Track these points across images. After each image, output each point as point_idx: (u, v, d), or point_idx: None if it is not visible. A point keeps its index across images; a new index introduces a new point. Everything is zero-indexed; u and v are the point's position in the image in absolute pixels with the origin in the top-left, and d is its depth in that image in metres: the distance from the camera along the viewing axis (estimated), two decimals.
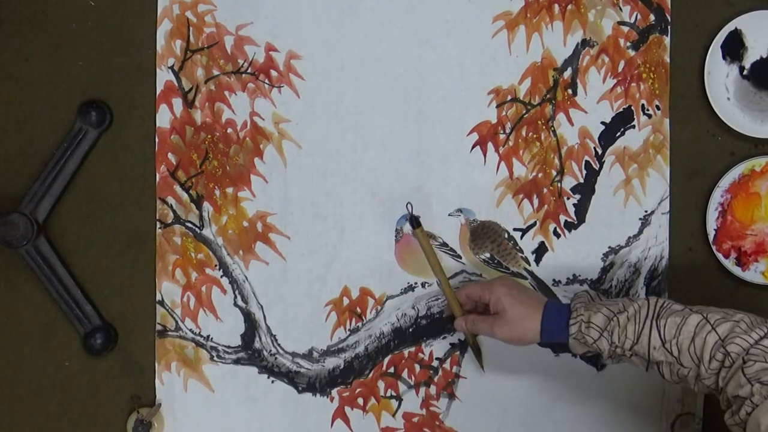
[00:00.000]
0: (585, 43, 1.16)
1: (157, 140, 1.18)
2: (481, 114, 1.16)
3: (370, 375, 1.18)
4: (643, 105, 1.16)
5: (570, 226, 1.17)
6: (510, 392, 1.17)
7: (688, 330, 0.90)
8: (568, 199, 1.16)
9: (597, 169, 1.16)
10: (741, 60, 1.14)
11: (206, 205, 1.18)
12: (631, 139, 1.16)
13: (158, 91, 1.17)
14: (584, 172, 1.16)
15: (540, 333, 0.99)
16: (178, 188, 1.18)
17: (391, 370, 1.18)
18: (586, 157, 1.16)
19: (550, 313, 0.99)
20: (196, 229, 1.18)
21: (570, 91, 1.16)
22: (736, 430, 0.86)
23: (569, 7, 1.15)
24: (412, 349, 1.18)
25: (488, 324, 1.03)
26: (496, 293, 1.02)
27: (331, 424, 1.18)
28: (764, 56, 1.14)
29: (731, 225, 1.14)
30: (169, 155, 1.18)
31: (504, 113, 1.16)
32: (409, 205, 1.11)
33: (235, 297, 1.18)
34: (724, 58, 1.14)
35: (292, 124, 1.17)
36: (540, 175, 1.16)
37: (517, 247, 1.17)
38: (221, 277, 1.18)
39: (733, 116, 1.14)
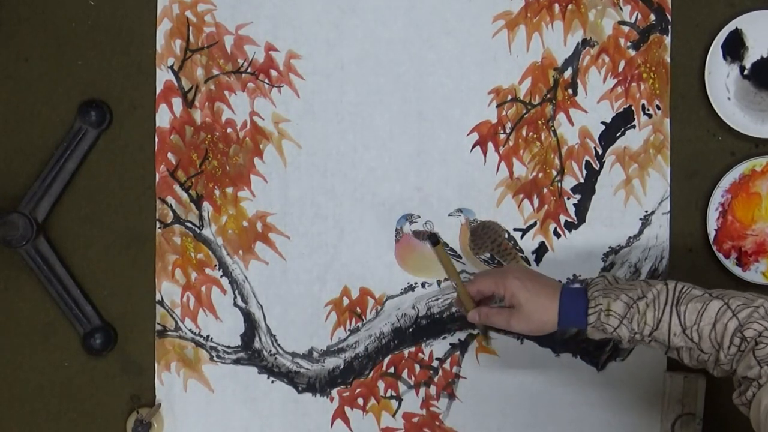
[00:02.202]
0: (585, 42, 1.16)
1: (156, 140, 1.17)
2: (481, 114, 1.16)
3: (370, 375, 1.18)
4: (643, 105, 1.16)
5: (570, 226, 1.16)
6: (510, 392, 1.17)
7: (709, 316, 0.90)
8: (568, 199, 1.16)
9: (597, 169, 1.16)
10: (741, 60, 1.14)
11: (206, 204, 1.18)
12: (632, 139, 1.16)
13: (158, 91, 1.17)
14: (584, 172, 1.16)
15: (557, 323, 0.98)
16: (177, 188, 1.18)
17: (391, 370, 1.18)
18: (587, 157, 1.16)
19: (568, 303, 0.97)
20: (196, 229, 1.18)
21: (570, 91, 1.16)
22: (743, 410, 0.86)
23: (569, 6, 1.15)
24: (412, 349, 1.18)
25: (504, 318, 1.00)
26: (510, 288, 0.99)
27: (331, 425, 1.18)
28: (765, 56, 1.14)
29: (732, 225, 1.14)
30: (169, 155, 1.18)
31: (504, 113, 1.16)
32: (429, 224, 1.10)
33: (235, 297, 1.18)
34: (724, 57, 1.14)
35: (292, 124, 1.17)
36: (540, 175, 1.16)
37: (518, 247, 1.16)
38: (221, 277, 1.18)
39: (734, 116, 1.14)
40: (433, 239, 1.04)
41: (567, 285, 1.01)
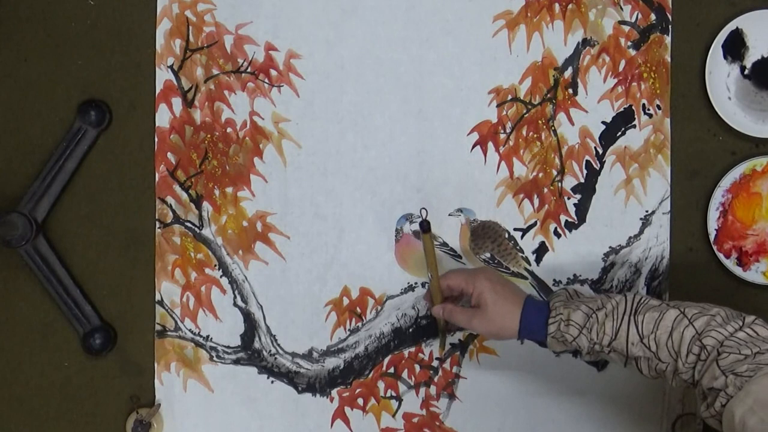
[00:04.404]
0: (586, 42, 1.16)
1: (156, 140, 1.17)
2: (481, 113, 1.16)
3: (370, 375, 1.18)
4: (643, 104, 1.16)
5: (570, 226, 1.16)
6: (510, 392, 1.17)
7: (665, 325, 0.91)
8: (568, 198, 1.16)
9: (598, 168, 1.16)
10: (742, 59, 1.14)
11: (206, 204, 1.18)
12: (632, 139, 1.16)
13: (158, 91, 1.17)
14: (585, 171, 1.16)
15: (518, 331, 0.99)
16: (177, 188, 1.18)
17: (391, 370, 1.18)
18: (587, 157, 1.16)
19: (530, 312, 0.99)
20: (196, 228, 1.18)
21: (570, 91, 1.16)
22: (712, 422, 0.86)
23: (570, 6, 1.15)
24: (412, 349, 1.18)
25: (467, 316, 1.02)
26: (479, 287, 1.01)
27: (331, 425, 1.18)
28: (765, 56, 1.14)
29: (732, 225, 1.14)
30: (169, 155, 1.17)
31: (504, 113, 1.16)
32: (423, 211, 1.10)
33: (235, 297, 1.18)
34: (725, 57, 1.14)
35: (292, 124, 1.17)
36: (540, 174, 1.16)
37: (518, 247, 1.16)
38: (221, 277, 1.18)
39: (734, 116, 1.14)
40: (425, 226, 1.05)
41: (531, 297, 1.02)
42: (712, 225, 1.14)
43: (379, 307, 1.17)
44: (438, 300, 1.08)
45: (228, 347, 1.18)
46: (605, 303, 0.95)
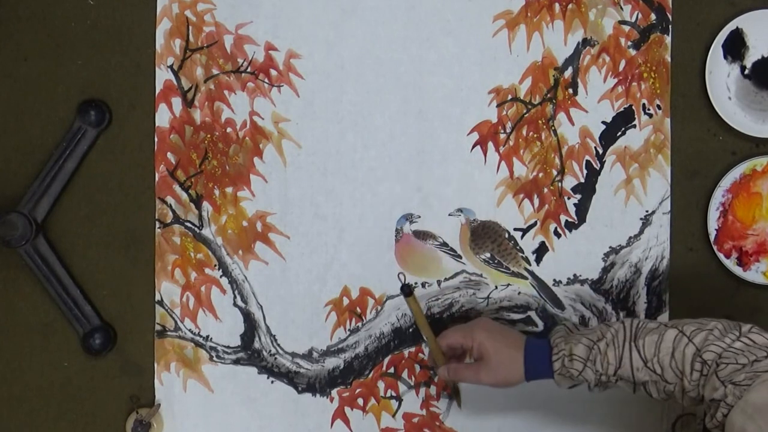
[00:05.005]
0: (586, 42, 1.15)
1: (156, 140, 1.17)
2: (481, 113, 1.16)
3: (370, 375, 1.18)
4: (644, 104, 1.16)
5: (570, 226, 1.16)
6: (510, 392, 1.16)
7: (666, 346, 0.91)
8: (568, 198, 1.16)
9: (598, 168, 1.16)
10: (742, 59, 1.14)
11: (206, 204, 1.18)
12: (632, 139, 1.16)
13: (157, 91, 1.17)
14: (585, 171, 1.16)
15: (525, 373, 1.00)
16: (177, 188, 1.18)
17: (391, 370, 1.18)
18: (587, 157, 1.16)
19: (532, 352, 1.00)
20: (196, 228, 1.18)
21: (571, 91, 1.16)
22: None
23: (570, 6, 1.15)
24: (412, 349, 1.18)
25: (472, 371, 1.02)
26: (478, 338, 1.02)
27: (331, 425, 1.18)
28: (765, 55, 1.14)
29: (732, 225, 1.14)
30: (169, 155, 1.17)
31: (504, 113, 1.16)
32: (401, 275, 1.10)
33: (235, 297, 1.18)
34: (725, 57, 1.14)
35: (292, 124, 1.17)
36: (540, 174, 1.16)
37: (518, 247, 1.16)
38: (221, 277, 1.18)
39: (735, 116, 1.14)
40: (406, 290, 1.10)
41: (531, 337, 1.03)
42: (712, 225, 1.14)
43: (379, 307, 1.17)
44: (441, 361, 1.08)
45: (228, 347, 1.18)
46: (605, 333, 0.96)
